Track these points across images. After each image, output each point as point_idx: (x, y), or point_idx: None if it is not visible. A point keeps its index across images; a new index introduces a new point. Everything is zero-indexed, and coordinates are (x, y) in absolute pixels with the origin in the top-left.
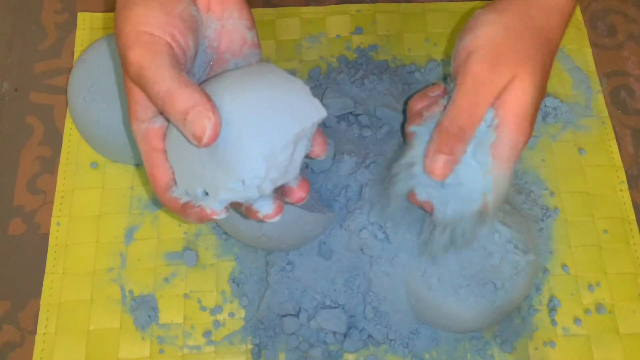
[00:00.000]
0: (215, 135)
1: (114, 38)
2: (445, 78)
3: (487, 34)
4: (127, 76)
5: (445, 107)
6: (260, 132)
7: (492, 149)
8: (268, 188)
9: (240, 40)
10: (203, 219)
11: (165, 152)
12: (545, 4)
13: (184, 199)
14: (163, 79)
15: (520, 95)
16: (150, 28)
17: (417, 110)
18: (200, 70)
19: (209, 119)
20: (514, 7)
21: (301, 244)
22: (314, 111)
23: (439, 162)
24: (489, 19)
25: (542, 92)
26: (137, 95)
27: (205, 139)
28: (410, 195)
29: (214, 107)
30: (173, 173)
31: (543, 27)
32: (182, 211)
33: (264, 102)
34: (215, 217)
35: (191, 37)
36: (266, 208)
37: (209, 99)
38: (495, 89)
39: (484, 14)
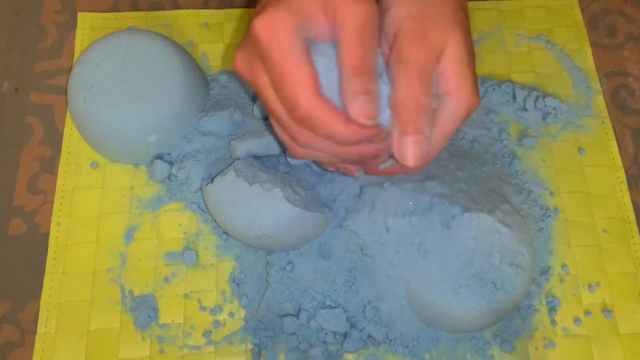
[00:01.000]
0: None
1: (114, 38)
2: None
3: (406, 7)
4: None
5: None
6: None
7: (434, 119)
8: None
9: None
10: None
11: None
12: None
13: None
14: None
15: (457, 64)
16: None
17: None
18: None
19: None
20: None
21: (301, 244)
22: None
23: (409, 144)
24: None
25: (472, 52)
26: (310, 13)
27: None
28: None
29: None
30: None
31: None
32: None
33: None
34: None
35: None
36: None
37: None
38: (432, 61)
39: None
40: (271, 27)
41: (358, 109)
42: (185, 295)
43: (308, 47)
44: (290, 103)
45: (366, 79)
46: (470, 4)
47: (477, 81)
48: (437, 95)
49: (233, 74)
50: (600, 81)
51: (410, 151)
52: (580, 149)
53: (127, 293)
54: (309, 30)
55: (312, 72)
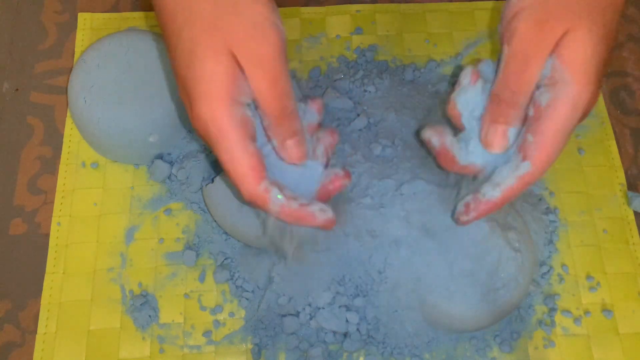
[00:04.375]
0: None
1: (114, 38)
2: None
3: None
4: (216, 51)
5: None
6: None
7: (546, 110)
8: None
9: None
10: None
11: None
12: None
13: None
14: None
15: (579, 46)
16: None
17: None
18: None
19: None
20: None
21: (300, 244)
22: None
23: (497, 133)
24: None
25: (606, 44)
26: (235, 73)
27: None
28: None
29: None
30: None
31: None
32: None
33: None
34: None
35: None
36: None
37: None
38: (546, 46)
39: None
40: (207, 125)
41: (288, 154)
42: (186, 295)
43: (246, 127)
44: (238, 187)
45: (287, 122)
46: (471, 4)
47: (602, 76)
48: (552, 86)
49: None
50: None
51: (497, 140)
52: (579, 149)
53: (127, 293)
54: (241, 96)
55: (251, 163)
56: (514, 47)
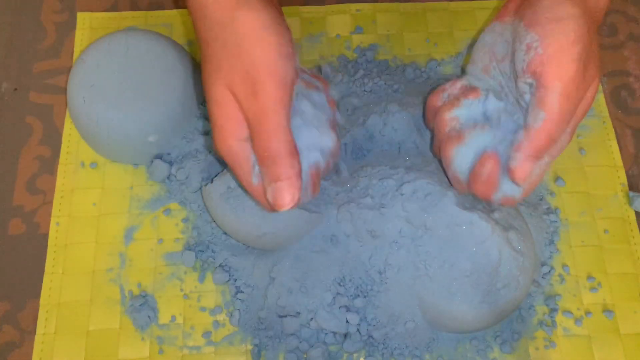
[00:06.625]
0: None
1: (114, 38)
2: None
3: (577, 30)
4: (222, 91)
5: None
6: None
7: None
8: None
9: None
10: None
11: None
12: None
13: None
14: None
15: (592, 97)
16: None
17: (435, 106)
18: None
19: (293, 195)
20: None
21: (297, 241)
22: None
23: (528, 167)
24: (572, 12)
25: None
26: (235, 112)
27: (281, 208)
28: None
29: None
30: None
31: (599, 19)
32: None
33: None
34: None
35: None
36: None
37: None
38: (585, 91)
39: (564, 5)
40: (224, 155)
41: (272, 197)
42: (185, 296)
43: (250, 158)
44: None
45: (274, 166)
46: (472, 3)
47: None
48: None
49: None
50: (600, 81)
51: (526, 172)
52: (580, 149)
53: (126, 293)
54: (242, 133)
55: (258, 188)
56: (564, 91)
